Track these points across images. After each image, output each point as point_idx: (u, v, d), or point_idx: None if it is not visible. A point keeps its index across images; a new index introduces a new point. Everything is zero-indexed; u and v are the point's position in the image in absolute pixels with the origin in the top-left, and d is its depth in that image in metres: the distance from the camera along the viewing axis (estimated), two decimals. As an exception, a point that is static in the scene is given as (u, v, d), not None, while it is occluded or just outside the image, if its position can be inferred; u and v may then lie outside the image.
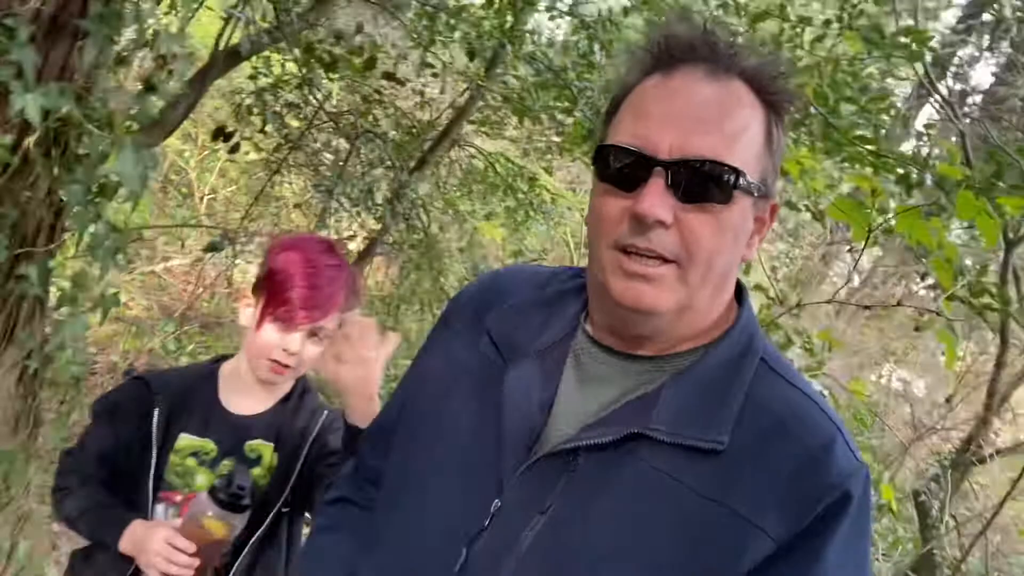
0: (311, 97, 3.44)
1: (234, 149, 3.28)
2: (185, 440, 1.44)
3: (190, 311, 4.84)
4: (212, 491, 1.29)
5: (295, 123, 3.82)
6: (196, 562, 1.28)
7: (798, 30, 3.86)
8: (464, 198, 4.50)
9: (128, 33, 1.74)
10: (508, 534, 0.82)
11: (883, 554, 4.23)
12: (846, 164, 3.28)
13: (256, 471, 1.47)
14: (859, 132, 3.16)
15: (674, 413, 0.80)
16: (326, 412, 1.51)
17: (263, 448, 1.48)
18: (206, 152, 5.86)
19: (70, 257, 2.06)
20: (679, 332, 0.84)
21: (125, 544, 1.36)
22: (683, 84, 0.81)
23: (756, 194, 0.81)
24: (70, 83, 1.65)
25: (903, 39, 3.51)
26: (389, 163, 3.30)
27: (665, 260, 0.79)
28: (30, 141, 1.61)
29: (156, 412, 1.43)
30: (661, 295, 0.79)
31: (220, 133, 3.29)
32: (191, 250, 5.27)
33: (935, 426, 4.36)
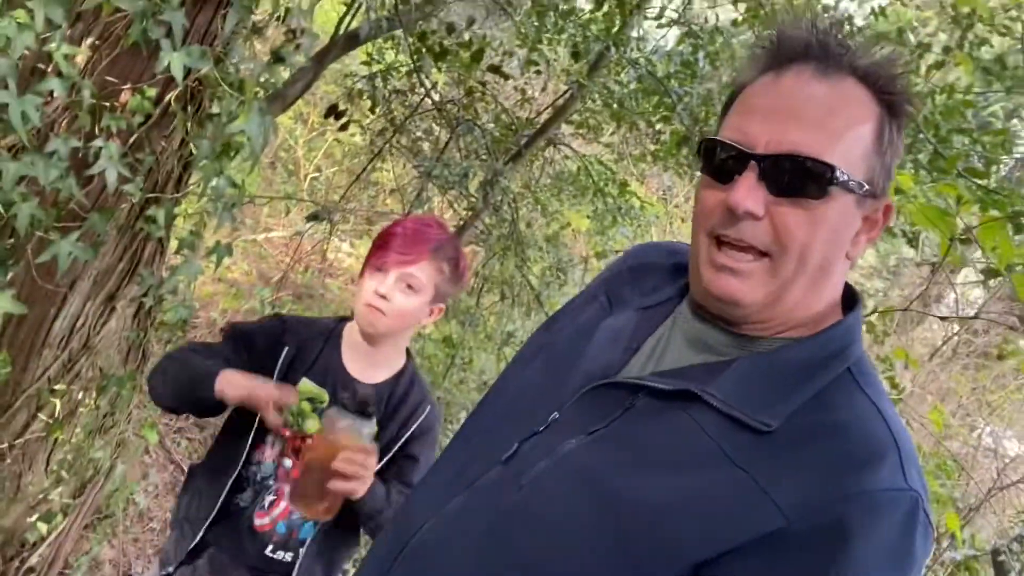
0: (419, 86, 3.60)
1: (344, 127, 3.47)
2: (306, 384, 1.54)
3: (285, 281, 5.11)
4: (339, 401, 1.38)
5: (401, 109, 4.00)
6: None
7: (916, 56, 3.76)
8: (554, 197, 4.58)
9: (264, 5, 1.90)
10: (553, 441, 0.90)
11: (960, 616, 4.03)
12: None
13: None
14: (968, 165, 3.06)
15: (734, 386, 0.83)
16: (429, 407, 1.60)
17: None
18: (315, 133, 6.16)
19: (192, 206, 2.24)
20: (771, 321, 0.87)
21: (226, 388, 1.43)
22: (792, 82, 0.83)
23: (859, 192, 0.82)
24: (211, 47, 1.82)
25: (1026, 72, 3.37)
26: (486, 153, 3.41)
27: (757, 253, 0.82)
28: (172, 96, 1.78)
29: (285, 350, 1.56)
30: (748, 288, 0.83)
31: (333, 111, 3.49)
32: (292, 223, 5.56)
33: (1020, 480, 4.13)
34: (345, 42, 3.16)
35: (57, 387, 2.09)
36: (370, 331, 1.55)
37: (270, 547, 1.57)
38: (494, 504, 0.90)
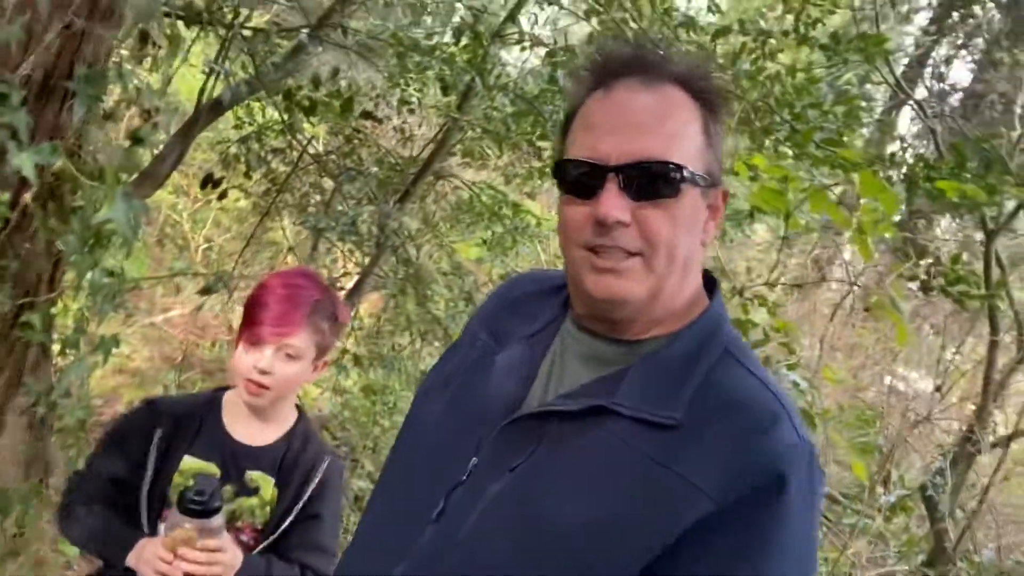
0: (294, 141, 3.59)
1: (223, 196, 3.41)
2: (189, 462, 1.50)
3: (192, 359, 4.94)
4: (179, 503, 1.33)
5: (282, 167, 3.97)
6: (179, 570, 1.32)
7: (759, 42, 4.01)
8: (452, 229, 4.63)
9: (114, 91, 1.87)
10: (479, 487, 0.92)
11: (897, 552, 4.25)
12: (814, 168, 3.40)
13: (253, 501, 1.52)
14: (824, 136, 3.28)
15: (636, 391, 0.89)
16: (328, 460, 1.56)
17: (263, 481, 1.53)
18: (199, 204, 6.01)
19: (71, 304, 2.16)
20: (652, 316, 0.93)
21: (131, 559, 1.42)
22: (622, 95, 0.90)
23: (703, 184, 0.91)
24: (62, 140, 1.78)
25: (859, 44, 3.67)
26: (372, 197, 3.43)
27: (631, 253, 0.88)
28: (27, 196, 1.73)
29: (158, 432, 1.50)
30: (630, 285, 0.89)
31: (208, 180, 3.42)
32: (188, 299, 5.39)
33: (927, 416, 4.41)
34: (210, 111, 3.13)
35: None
36: (254, 404, 1.52)
37: None
38: (437, 570, 0.91)
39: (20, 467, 2.21)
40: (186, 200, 6.02)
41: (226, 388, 1.62)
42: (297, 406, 1.63)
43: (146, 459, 1.49)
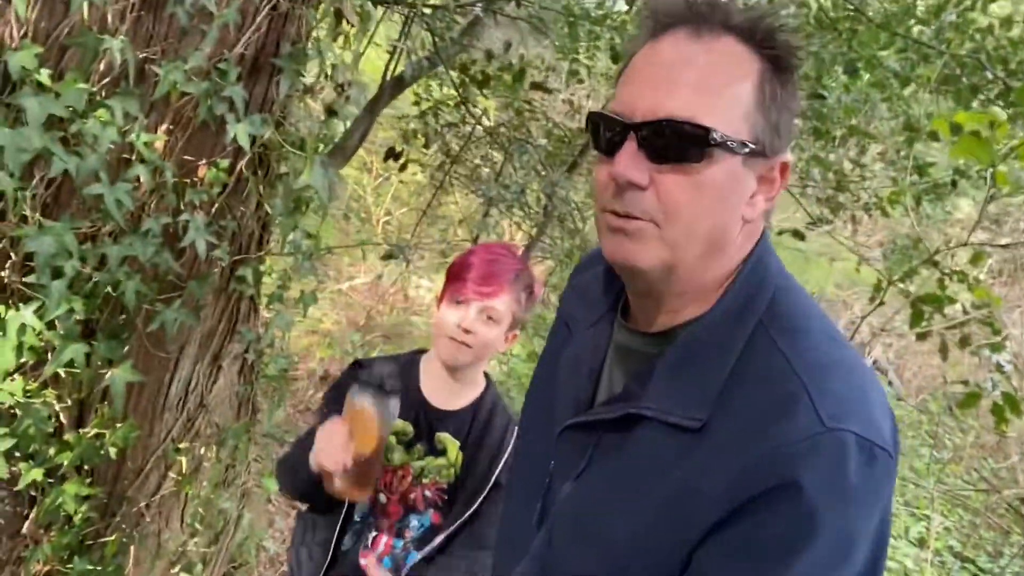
0: (468, 115, 3.72)
1: (403, 167, 3.63)
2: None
3: (373, 323, 5.31)
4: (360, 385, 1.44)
5: (455, 142, 4.14)
6: (348, 452, 1.40)
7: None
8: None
9: (312, 67, 2.04)
10: (555, 490, 0.93)
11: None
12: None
13: (440, 461, 1.60)
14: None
15: (662, 389, 0.83)
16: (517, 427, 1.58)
17: (450, 443, 1.60)
18: (380, 179, 6.41)
19: (276, 263, 2.39)
20: (674, 297, 0.84)
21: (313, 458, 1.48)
22: (668, 47, 0.81)
23: (743, 152, 0.79)
24: (270, 113, 1.98)
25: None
26: (540, 169, 3.49)
27: (648, 221, 0.79)
28: (242, 163, 1.94)
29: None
30: (641, 251, 0.80)
31: (391, 153, 3.65)
32: (371, 268, 5.79)
33: None
34: (392, 87, 3.33)
35: (181, 445, 2.27)
36: (453, 364, 1.58)
37: None
38: (541, 567, 0.93)
39: (233, 408, 2.51)
40: (368, 176, 6.45)
41: (424, 351, 1.71)
42: (485, 373, 1.69)
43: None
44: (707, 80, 0.79)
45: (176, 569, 2.42)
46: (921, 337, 2.39)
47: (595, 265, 1.02)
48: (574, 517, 0.89)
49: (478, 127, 3.79)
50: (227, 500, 2.64)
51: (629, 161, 0.79)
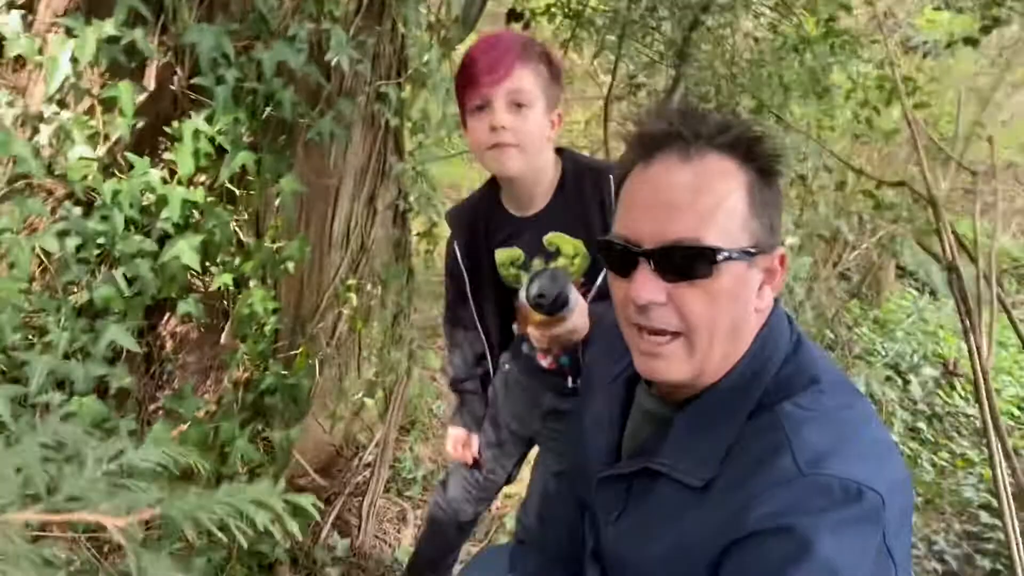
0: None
1: (526, 26, 3.54)
2: (499, 254, 1.54)
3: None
4: (528, 299, 1.31)
5: None
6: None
7: None
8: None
9: None
10: (601, 528, 1.06)
11: None
12: None
13: (561, 261, 1.50)
14: None
15: (675, 449, 0.93)
16: (612, 173, 1.31)
17: (559, 239, 1.50)
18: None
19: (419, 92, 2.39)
20: (702, 381, 0.93)
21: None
22: (659, 172, 0.88)
23: (746, 258, 0.87)
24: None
25: None
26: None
27: (671, 335, 0.89)
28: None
29: (456, 246, 1.59)
30: (673, 367, 0.90)
31: (511, 15, 3.58)
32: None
33: None
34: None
35: (349, 282, 2.37)
36: (507, 173, 1.42)
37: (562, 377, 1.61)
38: None
39: (389, 252, 2.58)
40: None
41: (493, 179, 1.58)
42: (557, 148, 1.52)
43: (463, 272, 1.59)
44: (702, 200, 0.86)
45: (359, 395, 2.55)
46: None
47: (611, 315, 1.10)
48: (616, 557, 1.02)
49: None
50: (397, 350, 2.75)
51: (646, 284, 0.88)
